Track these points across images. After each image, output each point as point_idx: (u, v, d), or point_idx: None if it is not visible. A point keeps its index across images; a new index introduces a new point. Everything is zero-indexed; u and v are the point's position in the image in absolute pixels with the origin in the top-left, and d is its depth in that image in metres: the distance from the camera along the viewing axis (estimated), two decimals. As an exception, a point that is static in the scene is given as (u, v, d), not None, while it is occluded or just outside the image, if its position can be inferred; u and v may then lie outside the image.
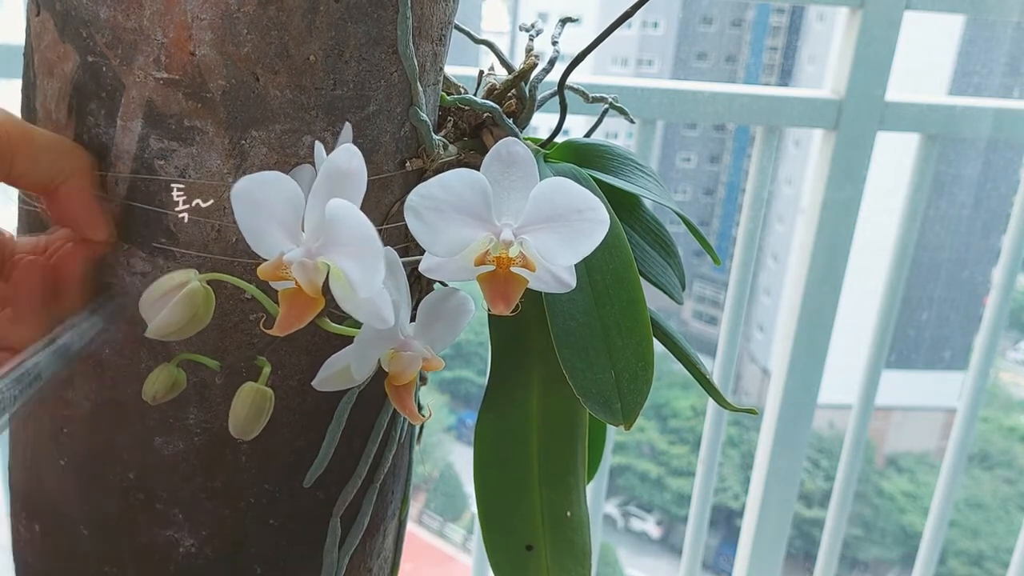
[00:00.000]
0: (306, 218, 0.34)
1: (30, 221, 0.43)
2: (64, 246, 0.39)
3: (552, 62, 0.50)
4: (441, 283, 0.45)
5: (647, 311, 0.43)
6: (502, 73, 0.52)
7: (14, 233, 0.46)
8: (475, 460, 0.49)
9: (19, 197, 0.44)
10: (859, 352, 1.06)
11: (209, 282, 0.36)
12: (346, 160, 0.33)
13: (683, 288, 0.52)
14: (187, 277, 0.35)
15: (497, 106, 0.47)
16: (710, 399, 0.64)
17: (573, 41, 0.52)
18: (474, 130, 0.48)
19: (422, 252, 0.38)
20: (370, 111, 0.40)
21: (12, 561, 0.50)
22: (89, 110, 0.39)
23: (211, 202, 0.39)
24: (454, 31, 0.46)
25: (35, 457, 0.46)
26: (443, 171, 0.37)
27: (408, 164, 0.43)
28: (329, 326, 0.38)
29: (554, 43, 0.52)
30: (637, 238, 0.51)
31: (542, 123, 0.57)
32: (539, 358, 0.48)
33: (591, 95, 0.55)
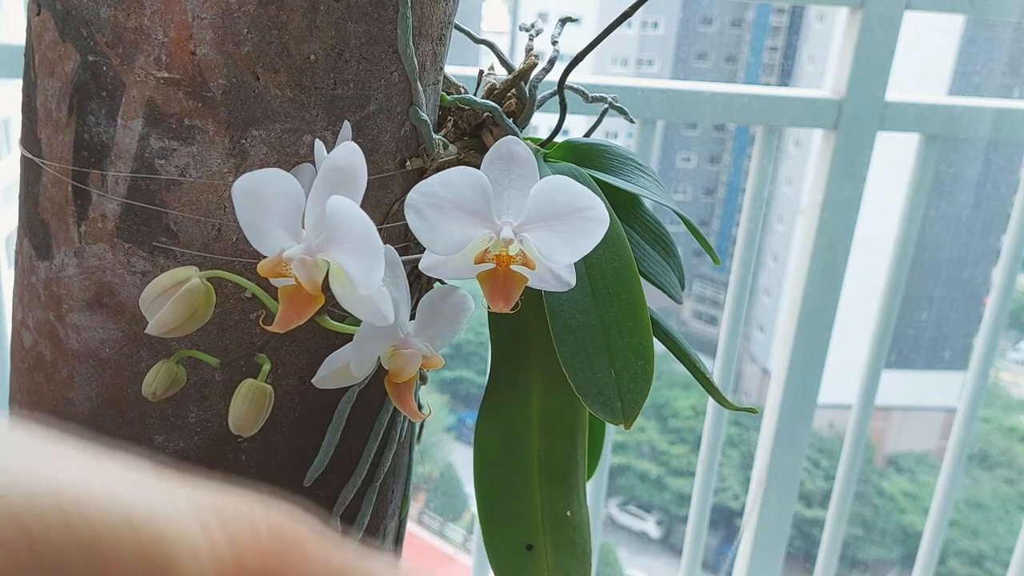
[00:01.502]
0: (306, 215, 0.34)
1: (31, 223, 0.43)
2: None
3: (552, 62, 0.50)
4: (441, 281, 0.45)
5: (647, 310, 0.43)
6: (502, 73, 0.52)
7: (13, 233, 0.46)
8: (475, 460, 0.49)
9: (20, 197, 0.45)
10: (859, 352, 1.06)
11: (209, 281, 0.36)
12: (346, 158, 0.33)
13: (683, 288, 0.52)
14: (187, 274, 0.35)
15: (497, 106, 0.47)
16: (710, 399, 0.64)
17: (573, 41, 0.52)
18: (474, 130, 0.48)
19: (422, 251, 0.38)
20: (370, 110, 0.41)
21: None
22: (90, 109, 0.39)
23: (212, 201, 0.39)
24: (454, 31, 0.46)
25: (35, 456, 0.46)
26: (443, 170, 0.37)
27: (408, 163, 0.43)
28: (329, 323, 0.38)
29: (554, 43, 0.52)
30: (637, 238, 0.51)
31: (542, 123, 0.58)
32: (539, 357, 0.48)
33: (591, 95, 0.55)
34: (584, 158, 0.49)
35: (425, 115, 0.43)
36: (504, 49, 0.53)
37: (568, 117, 0.51)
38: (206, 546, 0.16)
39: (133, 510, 0.16)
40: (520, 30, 0.53)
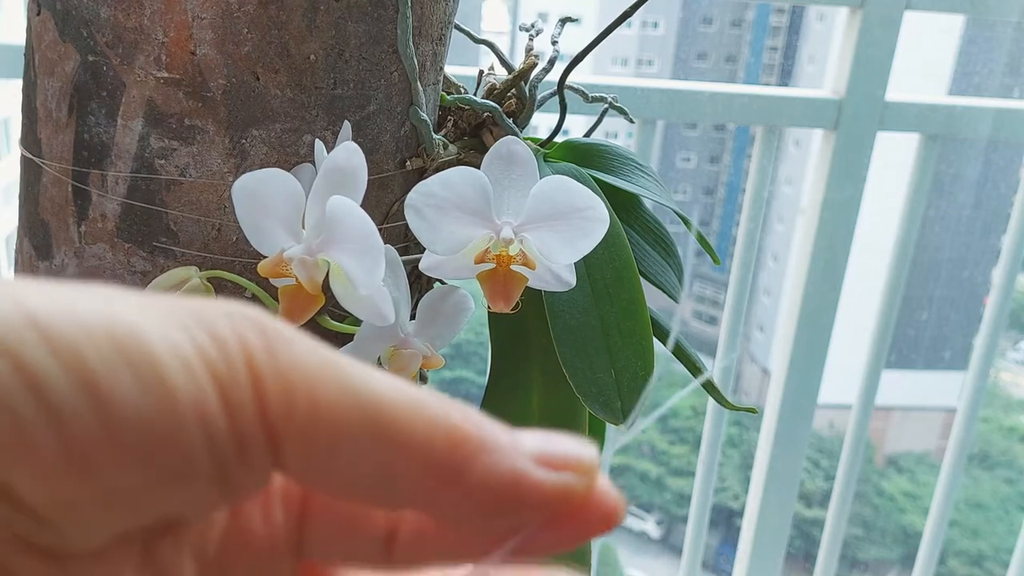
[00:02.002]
0: (307, 215, 0.34)
1: (31, 223, 0.43)
2: None
3: (552, 62, 0.50)
4: (441, 281, 0.45)
5: (647, 310, 0.43)
6: (502, 73, 0.52)
7: (13, 233, 0.46)
8: (475, 459, 0.49)
9: (20, 197, 0.45)
10: (859, 352, 1.06)
11: (209, 281, 0.36)
12: (346, 158, 0.33)
13: (683, 288, 0.52)
14: (188, 274, 0.35)
15: (497, 106, 0.47)
16: (710, 399, 0.64)
17: (573, 41, 0.52)
18: (474, 130, 0.48)
19: (422, 251, 0.38)
20: (370, 110, 0.41)
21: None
22: (90, 109, 0.39)
23: (212, 201, 0.39)
24: (454, 31, 0.46)
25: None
26: (443, 170, 0.37)
27: (408, 163, 0.43)
28: (329, 323, 0.38)
29: (554, 43, 0.52)
30: (637, 238, 0.51)
31: (542, 123, 0.57)
32: (539, 357, 0.48)
33: (591, 95, 0.55)
34: (584, 158, 0.49)
35: (425, 115, 0.43)
36: (504, 49, 0.53)
37: (568, 117, 0.51)
38: (192, 349, 0.16)
39: (112, 320, 0.15)
40: (520, 30, 0.53)
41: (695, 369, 0.49)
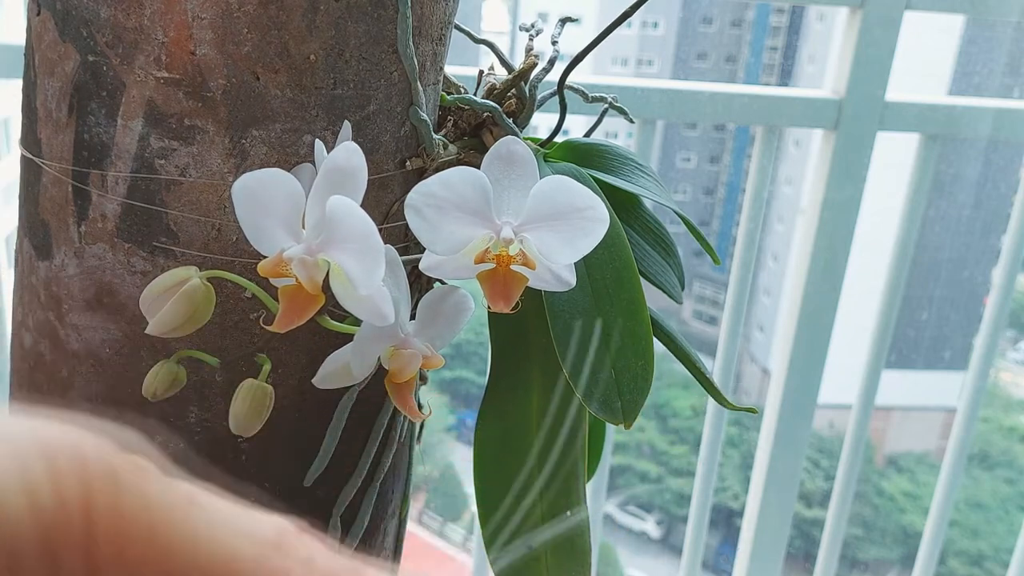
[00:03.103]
0: (307, 215, 0.34)
1: (31, 223, 0.43)
2: None
3: (552, 62, 0.50)
4: (441, 281, 0.45)
5: (647, 310, 0.43)
6: (502, 73, 0.52)
7: (13, 233, 0.46)
8: (475, 460, 0.49)
9: (20, 197, 0.45)
10: (859, 352, 1.06)
11: (209, 281, 0.36)
12: (346, 158, 0.33)
13: (683, 288, 0.52)
14: (188, 274, 0.35)
15: (497, 106, 0.47)
16: (710, 399, 0.64)
17: (573, 41, 0.52)
18: (474, 130, 0.48)
19: (422, 251, 0.38)
20: (370, 110, 0.41)
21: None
22: (90, 109, 0.39)
23: (211, 201, 0.39)
24: (454, 31, 0.46)
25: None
26: (443, 170, 0.37)
27: (408, 163, 0.43)
28: (329, 323, 0.38)
29: (554, 43, 0.52)
30: (637, 238, 0.51)
31: (542, 123, 0.57)
32: (539, 357, 0.48)
33: (591, 95, 0.55)
34: (584, 158, 0.49)
35: (425, 115, 0.43)
36: (504, 49, 0.53)
37: (568, 117, 0.51)
38: (16, 481, 0.14)
39: None
40: (520, 30, 0.53)
41: (695, 369, 0.49)
